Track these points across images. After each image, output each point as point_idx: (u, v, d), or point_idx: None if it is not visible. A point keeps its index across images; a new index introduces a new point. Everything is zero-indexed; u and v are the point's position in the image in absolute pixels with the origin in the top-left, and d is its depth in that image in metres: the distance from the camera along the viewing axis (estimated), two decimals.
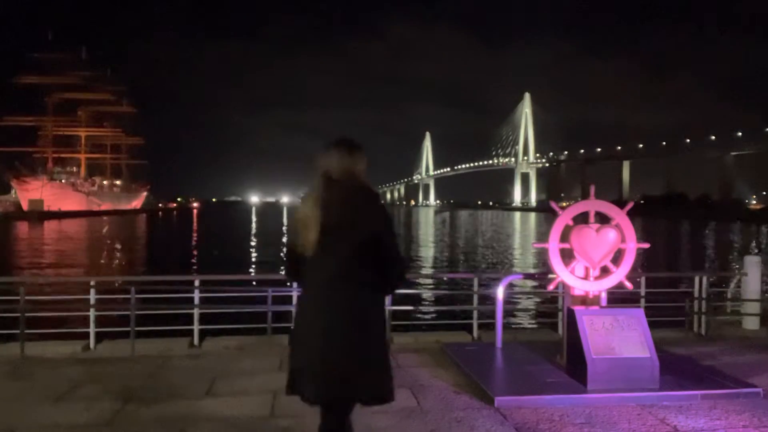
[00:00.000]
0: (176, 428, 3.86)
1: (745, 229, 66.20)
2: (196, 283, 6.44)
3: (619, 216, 5.06)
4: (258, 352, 5.96)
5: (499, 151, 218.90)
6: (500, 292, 5.76)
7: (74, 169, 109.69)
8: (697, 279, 7.08)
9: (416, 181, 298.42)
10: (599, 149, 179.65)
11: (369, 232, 2.49)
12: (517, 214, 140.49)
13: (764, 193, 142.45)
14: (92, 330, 6.09)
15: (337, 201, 2.51)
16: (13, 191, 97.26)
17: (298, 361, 2.55)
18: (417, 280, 11.69)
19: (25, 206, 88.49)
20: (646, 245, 5.17)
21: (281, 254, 32.22)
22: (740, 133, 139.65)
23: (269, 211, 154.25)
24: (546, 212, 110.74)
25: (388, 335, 2.50)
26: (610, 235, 4.96)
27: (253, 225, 72.53)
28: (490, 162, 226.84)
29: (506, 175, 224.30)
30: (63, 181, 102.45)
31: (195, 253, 33.90)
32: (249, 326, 6.57)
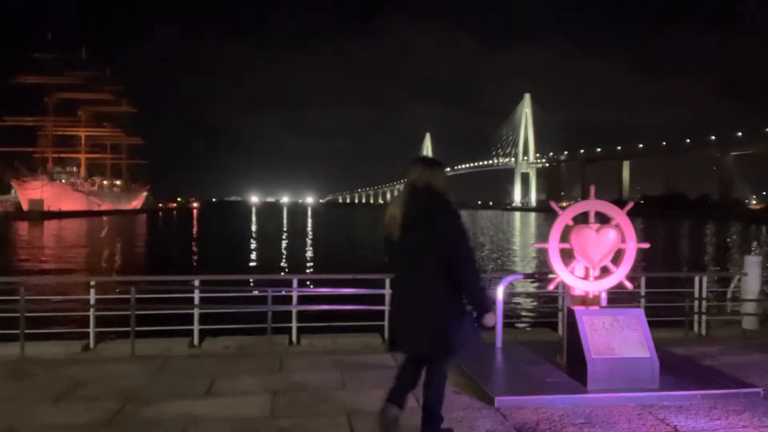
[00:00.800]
0: (176, 428, 3.85)
1: (745, 229, 66.19)
2: (196, 283, 6.44)
3: (619, 216, 5.05)
4: (258, 352, 5.96)
5: (499, 151, 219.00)
6: (500, 292, 5.75)
7: (74, 169, 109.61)
8: (697, 279, 7.07)
9: None
10: (599, 149, 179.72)
11: (437, 231, 3.17)
12: (517, 214, 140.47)
13: (764, 193, 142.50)
14: (92, 330, 6.09)
15: (415, 204, 3.23)
16: (13, 191, 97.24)
17: (393, 325, 3.49)
18: None
19: (25, 206, 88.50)
20: (646, 245, 5.16)
21: (281, 254, 32.32)
22: (740, 133, 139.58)
23: (269, 211, 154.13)
24: (546, 212, 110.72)
25: (458, 313, 3.24)
26: (610, 235, 4.95)
27: (253, 225, 72.48)
28: (490, 162, 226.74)
29: (506, 175, 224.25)
30: (63, 181, 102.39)
31: (195, 253, 33.92)
32: (249, 326, 6.57)
